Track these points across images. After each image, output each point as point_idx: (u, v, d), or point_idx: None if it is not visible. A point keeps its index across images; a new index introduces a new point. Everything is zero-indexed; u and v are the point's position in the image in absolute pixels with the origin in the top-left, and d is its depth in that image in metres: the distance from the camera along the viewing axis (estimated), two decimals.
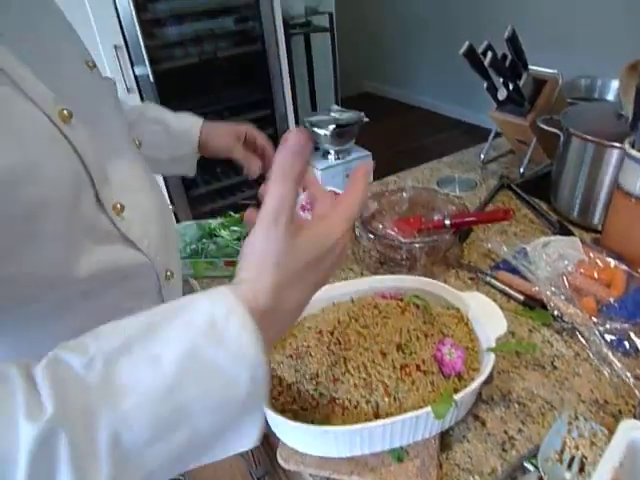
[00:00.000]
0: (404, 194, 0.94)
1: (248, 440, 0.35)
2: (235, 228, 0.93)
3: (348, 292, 0.70)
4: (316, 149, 2.72)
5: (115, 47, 1.84)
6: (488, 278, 0.83)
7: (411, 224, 0.89)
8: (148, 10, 1.96)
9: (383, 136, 3.77)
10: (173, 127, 0.83)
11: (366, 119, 2.56)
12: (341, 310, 0.66)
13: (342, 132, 2.48)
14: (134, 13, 1.81)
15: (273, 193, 0.35)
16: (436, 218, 0.89)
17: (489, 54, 0.98)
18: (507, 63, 1.04)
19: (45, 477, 0.28)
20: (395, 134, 4.01)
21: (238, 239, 0.92)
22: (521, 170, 1.15)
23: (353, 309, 0.63)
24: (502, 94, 1.02)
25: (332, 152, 2.59)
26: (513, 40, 0.99)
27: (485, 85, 1.07)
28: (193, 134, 0.84)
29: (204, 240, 0.94)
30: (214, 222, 0.97)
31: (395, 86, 4.80)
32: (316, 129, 2.49)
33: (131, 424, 0.30)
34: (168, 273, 0.62)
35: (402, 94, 4.74)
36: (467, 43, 0.98)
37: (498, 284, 0.82)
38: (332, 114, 2.61)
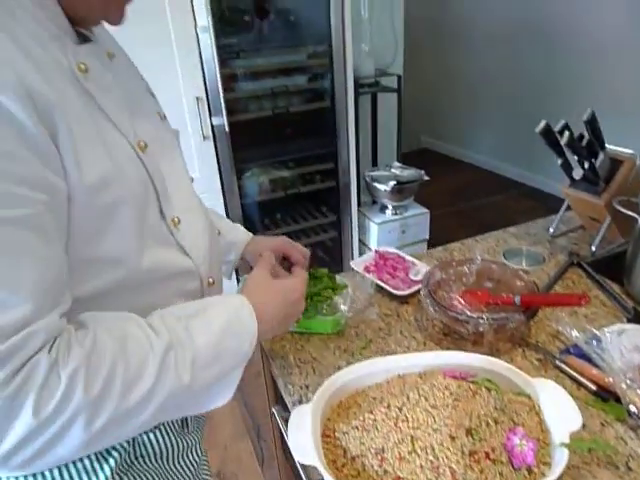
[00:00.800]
0: (472, 266, 0.94)
1: (228, 392, 0.60)
2: None
3: (415, 365, 0.70)
4: (374, 202, 2.76)
5: (197, 98, 1.97)
6: (557, 362, 0.81)
7: (479, 297, 0.89)
8: (229, 66, 2.10)
9: (440, 193, 3.77)
10: (224, 235, 0.92)
11: (426, 177, 2.59)
12: (408, 384, 0.66)
13: (402, 189, 2.51)
14: (217, 69, 1.94)
15: (264, 260, 0.73)
16: (505, 294, 0.88)
17: (566, 133, 0.98)
18: (584, 142, 1.04)
19: (167, 368, 0.51)
20: (452, 192, 4.01)
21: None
22: (593, 248, 1.13)
23: (423, 387, 0.63)
24: (578, 174, 1.02)
25: (390, 207, 2.62)
26: (592, 122, 0.99)
27: (559, 162, 1.07)
28: (239, 247, 0.95)
29: None
30: None
31: (454, 144, 4.83)
32: (376, 184, 2.54)
33: (200, 353, 0.54)
34: (210, 280, 0.71)
35: (461, 152, 4.76)
36: (544, 122, 1.00)
37: (568, 370, 0.79)
38: (393, 170, 2.66)
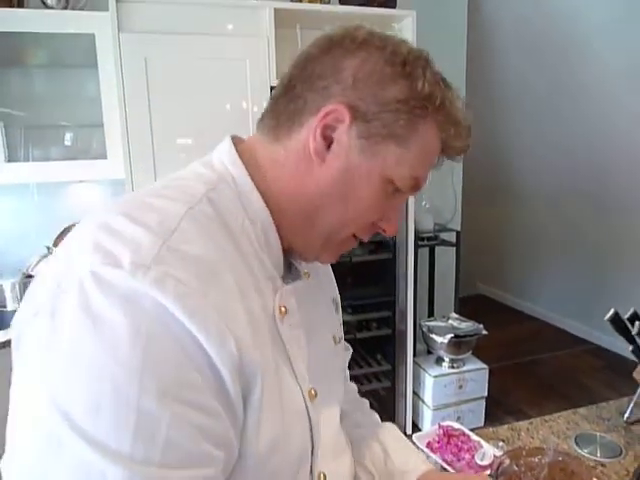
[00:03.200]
0: (545, 457, 0.89)
1: None
2: None
3: None
4: (429, 353, 2.71)
5: None
6: None
7: None
8: None
9: (496, 344, 3.65)
10: (394, 463, 0.78)
11: (485, 332, 2.55)
12: None
13: (459, 342, 2.48)
14: None
15: None
16: None
17: (637, 324, 0.99)
18: None
19: None
20: (509, 343, 3.87)
21: None
22: None
23: None
24: None
25: (447, 360, 2.56)
26: None
27: (630, 348, 1.06)
28: (409, 478, 0.76)
29: None
30: None
31: (511, 293, 4.78)
32: (433, 335, 2.52)
33: None
34: None
35: (517, 302, 4.69)
36: (612, 310, 1.01)
37: None
38: (450, 321, 2.65)
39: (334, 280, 0.80)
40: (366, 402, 0.91)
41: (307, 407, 0.55)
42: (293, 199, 0.56)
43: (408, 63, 0.54)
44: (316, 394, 0.57)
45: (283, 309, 0.54)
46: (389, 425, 0.87)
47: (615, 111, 3.20)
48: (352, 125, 0.53)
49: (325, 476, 0.59)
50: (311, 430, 0.56)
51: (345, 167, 0.54)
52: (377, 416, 0.89)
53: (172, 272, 0.42)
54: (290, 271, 0.63)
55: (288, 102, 0.56)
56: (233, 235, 0.51)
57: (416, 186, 0.58)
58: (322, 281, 0.73)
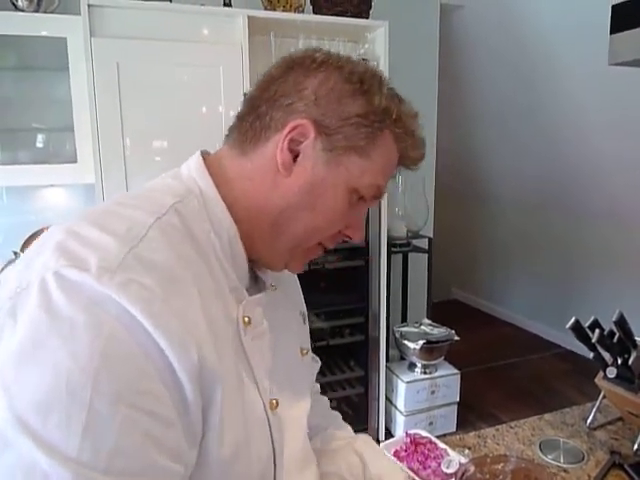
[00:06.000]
0: (508, 465, 0.91)
1: None
2: None
3: None
4: (402, 359, 2.74)
5: None
6: None
7: None
8: None
9: (469, 348, 3.70)
10: (371, 470, 0.81)
11: (456, 337, 2.58)
12: None
13: (431, 348, 2.51)
14: None
15: None
16: None
17: (596, 331, 1.02)
18: (615, 339, 1.07)
19: None
20: (482, 347, 3.93)
21: None
22: (635, 447, 1.09)
23: None
24: (612, 372, 1.03)
25: (419, 366, 2.58)
26: (621, 322, 1.03)
27: (592, 355, 1.09)
28: None
29: None
30: None
31: (484, 298, 4.86)
32: (406, 341, 2.54)
33: None
34: None
35: (491, 307, 4.77)
36: (573, 318, 1.04)
37: None
38: (422, 327, 2.68)
39: (301, 293, 0.82)
40: (339, 415, 0.92)
41: (268, 417, 0.57)
42: (261, 211, 0.57)
43: (365, 81, 0.58)
44: (277, 404, 0.58)
45: (247, 319, 0.55)
46: (364, 436, 0.88)
47: (583, 121, 3.30)
48: (317, 139, 0.56)
49: None
50: (272, 440, 0.57)
51: (311, 179, 0.56)
52: (350, 428, 0.90)
53: (137, 278, 0.43)
54: (256, 282, 0.64)
55: (254, 120, 0.58)
56: (199, 246, 0.52)
57: (378, 194, 0.62)
58: (289, 294, 0.75)
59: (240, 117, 0.61)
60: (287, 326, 0.70)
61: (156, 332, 0.42)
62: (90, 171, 1.89)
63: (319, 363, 0.85)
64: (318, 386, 0.88)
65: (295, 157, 0.57)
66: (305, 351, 0.72)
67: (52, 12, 1.97)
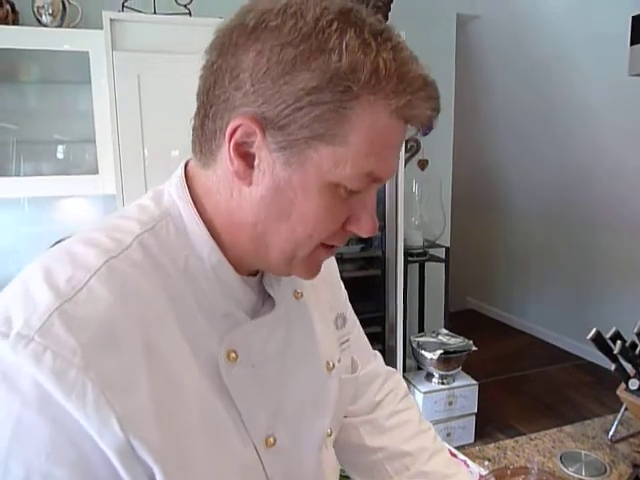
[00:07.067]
0: (529, 477, 0.90)
1: None
2: None
3: None
4: (419, 368, 2.72)
5: None
6: None
7: None
8: None
9: (487, 359, 3.66)
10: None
11: (474, 348, 2.56)
12: None
13: (449, 359, 2.49)
14: None
15: None
16: None
17: (618, 343, 1.00)
18: (637, 351, 1.05)
19: None
20: (499, 358, 3.88)
21: None
22: None
23: None
24: (634, 384, 1.01)
25: (436, 376, 2.56)
26: None
27: (613, 367, 1.08)
28: None
29: None
30: None
31: (501, 308, 4.81)
32: (423, 351, 2.53)
33: None
34: None
35: (508, 317, 4.71)
36: (594, 330, 1.02)
37: None
38: (440, 337, 2.66)
39: (342, 293, 0.74)
40: (395, 372, 0.86)
41: (260, 456, 0.51)
42: (236, 227, 0.49)
43: (315, 33, 0.42)
44: (275, 441, 0.52)
45: (233, 355, 0.49)
46: (437, 446, 0.79)
47: (602, 130, 3.27)
48: (265, 137, 0.44)
49: None
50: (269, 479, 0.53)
51: (274, 185, 0.46)
52: (434, 432, 0.82)
53: (53, 346, 0.39)
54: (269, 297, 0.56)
55: (202, 124, 0.49)
56: (168, 279, 0.47)
57: (378, 180, 0.48)
58: (320, 294, 0.66)
59: (194, 120, 0.51)
60: (312, 340, 0.61)
61: (71, 405, 0.38)
62: (111, 182, 1.93)
63: (379, 356, 0.82)
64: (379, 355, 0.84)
65: (252, 162, 0.46)
66: (332, 365, 0.62)
67: (75, 27, 2.02)
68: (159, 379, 0.43)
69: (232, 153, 0.45)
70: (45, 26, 1.98)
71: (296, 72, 0.41)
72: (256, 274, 0.55)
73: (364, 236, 0.51)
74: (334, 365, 0.63)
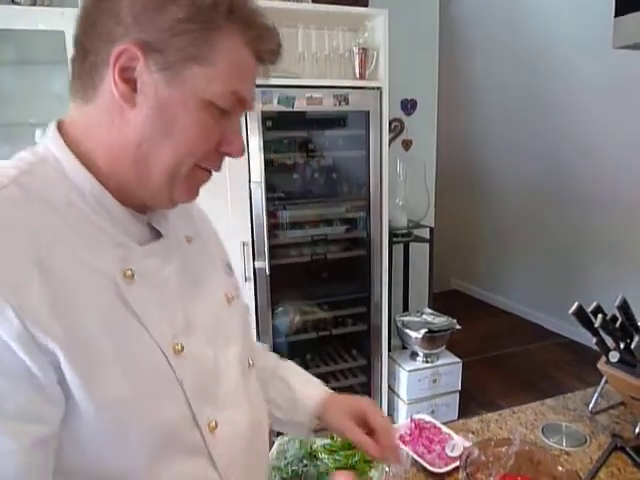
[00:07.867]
0: (512, 447, 0.92)
1: None
2: (338, 457, 0.95)
3: None
4: (404, 348, 2.75)
5: (243, 243, 2.13)
6: None
7: None
8: (276, 216, 2.30)
9: (470, 338, 3.72)
10: (296, 392, 0.85)
11: (458, 326, 2.60)
12: None
13: (433, 337, 2.52)
14: (265, 218, 2.12)
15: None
16: None
17: (599, 317, 1.02)
18: (618, 324, 1.07)
19: None
20: (482, 337, 3.95)
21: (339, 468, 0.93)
22: (636, 430, 1.10)
23: None
24: (614, 357, 1.03)
25: (421, 354, 2.60)
26: (624, 307, 1.03)
27: (594, 340, 1.10)
28: (312, 405, 0.84)
29: (305, 462, 0.96)
30: (318, 441, 1.00)
31: (484, 288, 4.87)
32: (408, 330, 2.56)
33: None
34: None
35: (491, 297, 4.78)
36: (576, 304, 1.04)
37: None
38: (424, 316, 2.69)
39: (223, 246, 0.82)
40: (266, 347, 0.98)
41: (169, 362, 0.56)
42: (119, 153, 0.55)
43: None
44: (182, 347, 0.58)
45: (129, 273, 0.55)
46: (289, 363, 0.92)
47: (581, 116, 3.29)
48: (147, 60, 0.52)
49: (217, 424, 0.60)
50: (180, 384, 0.57)
51: (157, 104, 0.53)
52: (276, 356, 0.94)
53: None
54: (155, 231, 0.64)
55: (82, 61, 0.55)
56: (57, 211, 0.52)
57: (241, 102, 0.58)
58: (208, 245, 0.75)
59: (72, 62, 0.57)
60: (207, 275, 0.69)
61: None
62: None
63: (248, 307, 0.87)
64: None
65: (135, 87, 0.53)
66: (231, 296, 0.72)
67: (49, 5, 1.96)
68: (53, 287, 0.48)
69: (117, 77, 0.52)
70: (18, 4, 1.91)
71: (167, 6, 0.52)
72: (145, 213, 0.62)
73: (234, 157, 0.61)
74: (233, 297, 0.72)
